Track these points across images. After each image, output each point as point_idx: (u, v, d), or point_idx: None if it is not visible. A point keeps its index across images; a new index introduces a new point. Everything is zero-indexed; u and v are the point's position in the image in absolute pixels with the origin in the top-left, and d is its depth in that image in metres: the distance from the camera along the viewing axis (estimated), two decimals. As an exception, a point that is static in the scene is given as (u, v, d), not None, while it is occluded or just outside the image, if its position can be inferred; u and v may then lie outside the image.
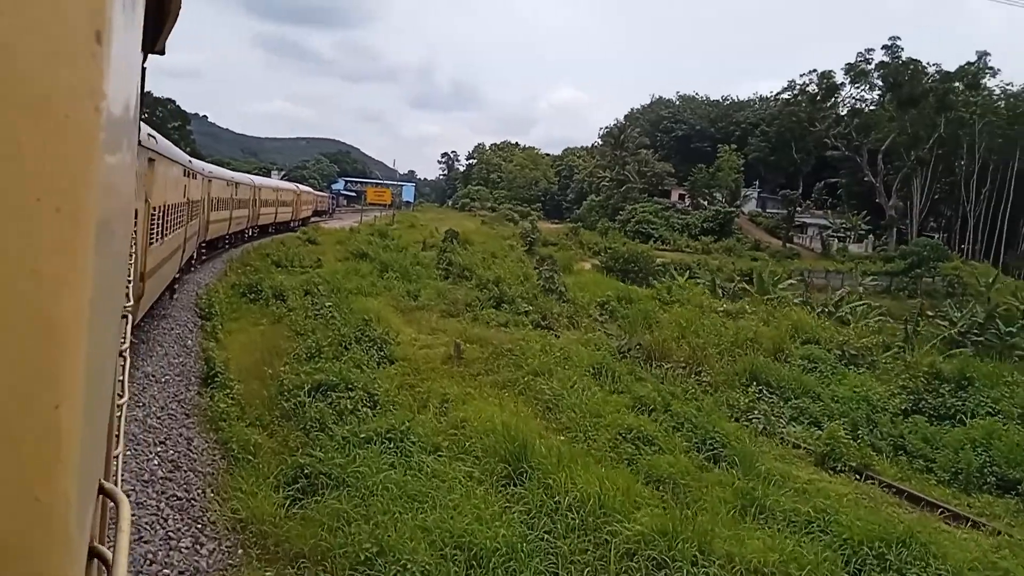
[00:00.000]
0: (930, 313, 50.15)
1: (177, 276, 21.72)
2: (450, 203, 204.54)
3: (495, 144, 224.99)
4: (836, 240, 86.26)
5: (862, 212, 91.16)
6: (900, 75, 78.12)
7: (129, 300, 3.76)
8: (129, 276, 4.42)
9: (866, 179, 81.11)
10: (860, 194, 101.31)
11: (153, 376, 13.74)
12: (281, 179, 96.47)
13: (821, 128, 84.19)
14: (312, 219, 78.42)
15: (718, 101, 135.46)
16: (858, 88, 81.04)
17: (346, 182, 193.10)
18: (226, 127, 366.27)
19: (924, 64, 79.14)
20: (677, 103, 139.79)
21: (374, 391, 13.43)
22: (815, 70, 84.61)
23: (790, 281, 46.94)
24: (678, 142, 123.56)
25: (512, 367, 16.63)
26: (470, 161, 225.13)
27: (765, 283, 43.73)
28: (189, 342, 17.88)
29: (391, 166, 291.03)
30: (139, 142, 9.26)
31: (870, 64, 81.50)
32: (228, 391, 13.39)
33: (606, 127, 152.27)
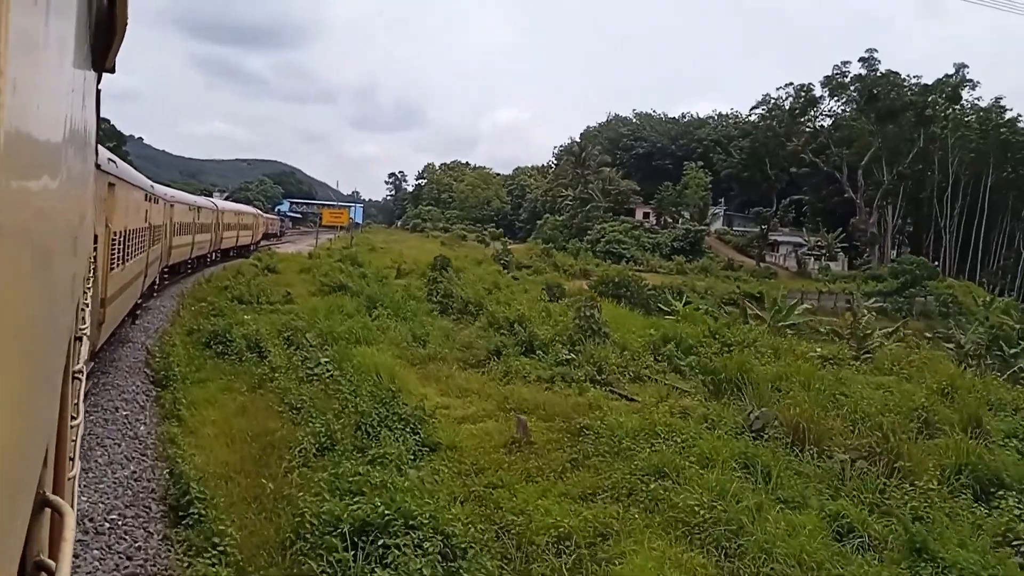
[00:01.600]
0: (928, 335, 47.10)
1: (139, 302, 21.34)
2: (399, 224, 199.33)
3: (445, 164, 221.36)
4: (811, 258, 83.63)
5: (832, 230, 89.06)
6: (878, 88, 76.02)
7: (85, 323, 4.09)
8: (86, 300, 4.92)
9: (846, 195, 78.58)
10: (826, 211, 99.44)
11: (88, 517, 8.46)
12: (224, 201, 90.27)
13: (798, 143, 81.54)
14: (262, 243, 72.74)
15: (676, 119, 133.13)
16: (838, 101, 78.63)
17: (291, 203, 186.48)
18: (163, 149, 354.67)
19: (903, 77, 77.27)
20: (635, 121, 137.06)
21: (450, 530, 8.38)
22: (791, 83, 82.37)
23: (805, 306, 42.96)
24: (639, 160, 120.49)
25: (608, 457, 11.78)
26: (419, 181, 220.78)
27: (782, 309, 39.66)
28: (141, 428, 12.59)
29: (334, 187, 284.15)
30: (97, 166, 9.25)
31: (846, 77, 79.30)
32: (213, 541, 8.18)
33: (561, 145, 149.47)
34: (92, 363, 13.11)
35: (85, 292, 4.91)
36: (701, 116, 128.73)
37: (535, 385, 17.45)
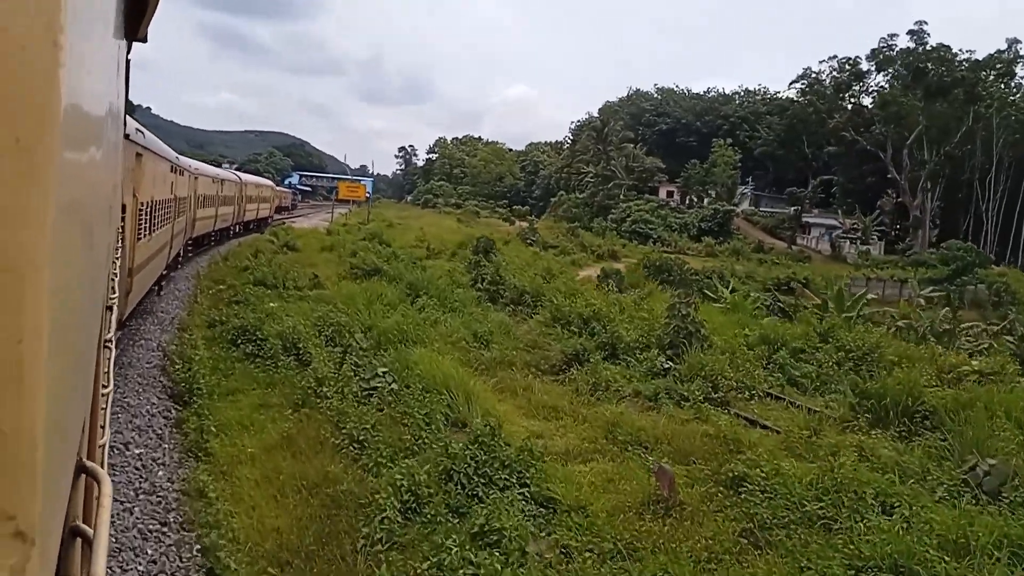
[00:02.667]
0: (981, 325, 43.76)
1: (164, 273, 21.37)
2: (409, 199, 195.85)
3: (456, 138, 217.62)
4: (847, 242, 79.97)
5: (867, 212, 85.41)
6: (927, 63, 71.84)
7: (115, 292, 4.22)
8: (115, 269, 4.88)
9: (888, 175, 74.53)
10: (856, 192, 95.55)
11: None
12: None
13: (840, 120, 77.36)
14: (275, 217, 69.58)
15: (699, 94, 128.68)
16: (885, 76, 74.12)
17: (300, 176, 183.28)
18: (171, 119, 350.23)
19: (954, 52, 72.93)
20: (657, 96, 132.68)
21: None
22: (835, 56, 77.58)
23: (872, 296, 39.61)
24: (661, 136, 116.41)
25: (796, 530, 8.63)
26: (430, 155, 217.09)
27: (844, 300, 36.37)
28: (159, 472, 9.48)
29: (342, 160, 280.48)
30: (126, 136, 9.34)
31: (892, 51, 74.94)
32: None
33: (578, 121, 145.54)
34: (120, 332, 12.68)
35: (114, 262, 4.71)
36: (727, 92, 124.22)
37: (634, 403, 14.30)
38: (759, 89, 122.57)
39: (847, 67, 77.17)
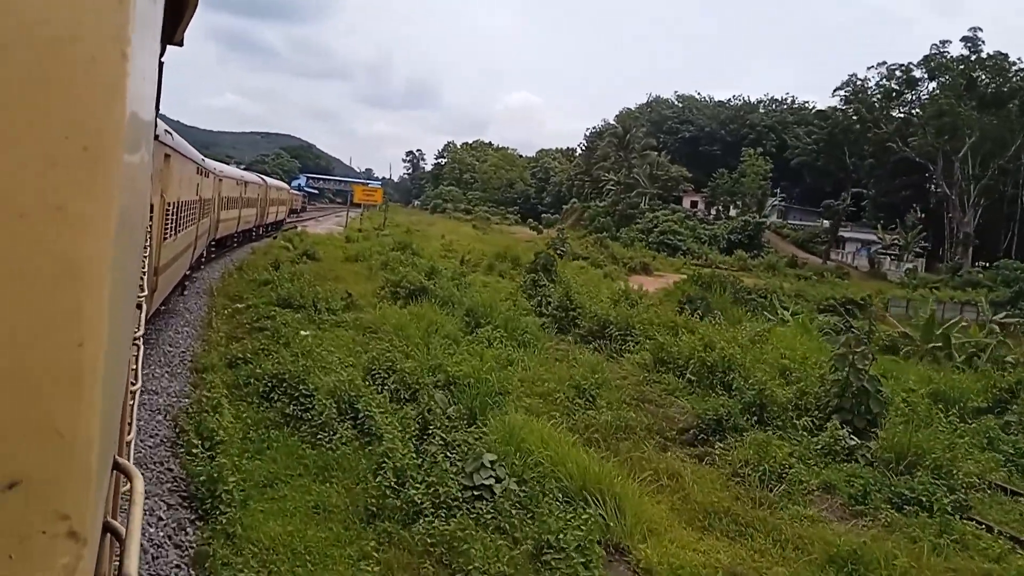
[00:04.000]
0: None
1: (187, 273, 21.18)
2: (417, 203, 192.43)
3: (467, 143, 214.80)
4: (887, 258, 75.88)
5: (897, 225, 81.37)
6: (981, 72, 67.68)
7: (144, 291, 4.01)
8: (144, 268, 4.73)
9: (936, 189, 70.32)
10: (887, 206, 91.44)
11: None
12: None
13: (887, 129, 73.09)
14: (287, 220, 65.77)
15: (723, 102, 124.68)
16: (937, 85, 69.55)
17: (308, 178, 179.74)
18: (178, 119, 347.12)
19: (1011, 61, 68.63)
20: (678, 103, 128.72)
21: None
22: (883, 62, 73.11)
23: (963, 323, 35.51)
24: (684, 144, 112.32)
25: None
26: (439, 160, 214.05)
27: (933, 327, 32.29)
28: None
29: (347, 163, 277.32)
30: (156, 136, 9.16)
31: (944, 58, 70.68)
32: None
33: (593, 127, 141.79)
34: (145, 329, 9.42)
35: (143, 259, 4.60)
36: (752, 100, 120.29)
37: (828, 502, 10.23)
38: (785, 97, 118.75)
39: (897, 74, 72.83)
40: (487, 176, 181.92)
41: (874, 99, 76.17)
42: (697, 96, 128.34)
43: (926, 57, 71.58)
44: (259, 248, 39.47)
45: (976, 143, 65.30)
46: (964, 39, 69.68)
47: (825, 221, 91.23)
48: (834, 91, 77.60)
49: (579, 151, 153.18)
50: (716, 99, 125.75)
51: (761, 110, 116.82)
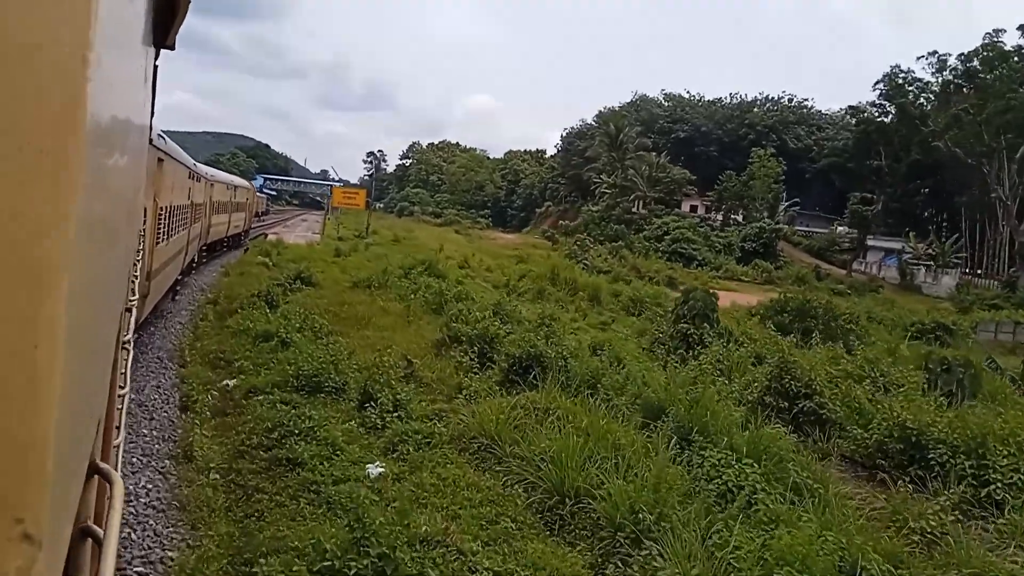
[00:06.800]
0: None
1: (179, 278, 20.93)
2: (380, 206, 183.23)
3: (433, 144, 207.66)
4: (922, 269, 69.07)
5: (930, 234, 74.85)
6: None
7: (134, 295, 4.07)
8: (136, 272, 4.64)
9: (992, 195, 63.37)
10: (899, 211, 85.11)
11: None
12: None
13: (936, 127, 65.81)
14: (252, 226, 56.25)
15: (716, 101, 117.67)
16: (997, 74, 62.12)
17: (265, 179, 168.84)
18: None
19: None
20: (665, 103, 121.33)
21: None
22: (935, 52, 65.65)
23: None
24: (677, 145, 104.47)
25: None
26: (404, 161, 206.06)
27: None
28: None
29: (303, 164, 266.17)
30: (150, 140, 9.29)
31: (1001, 49, 63.41)
32: None
33: (572, 127, 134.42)
34: (137, 335, 11.78)
35: (134, 264, 4.61)
36: (748, 98, 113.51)
37: None
38: (782, 96, 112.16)
39: (952, 65, 65.38)
40: (455, 178, 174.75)
41: (925, 94, 68.80)
42: (686, 95, 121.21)
43: (983, 46, 64.42)
44: (231, 265, 30.35)
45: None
46: (1021, 27, 62.91)
47: (840, 228, 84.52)
48: (874, 84, 70.20)
49: (555, 151, 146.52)
50: (707, 98, 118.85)
51: (756, 109, 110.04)
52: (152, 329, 16.46)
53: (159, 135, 12.75)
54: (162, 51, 3.25)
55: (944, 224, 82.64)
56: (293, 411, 10.44)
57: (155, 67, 3.07)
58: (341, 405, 11.64)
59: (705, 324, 16.57)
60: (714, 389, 12.38)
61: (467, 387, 12.81)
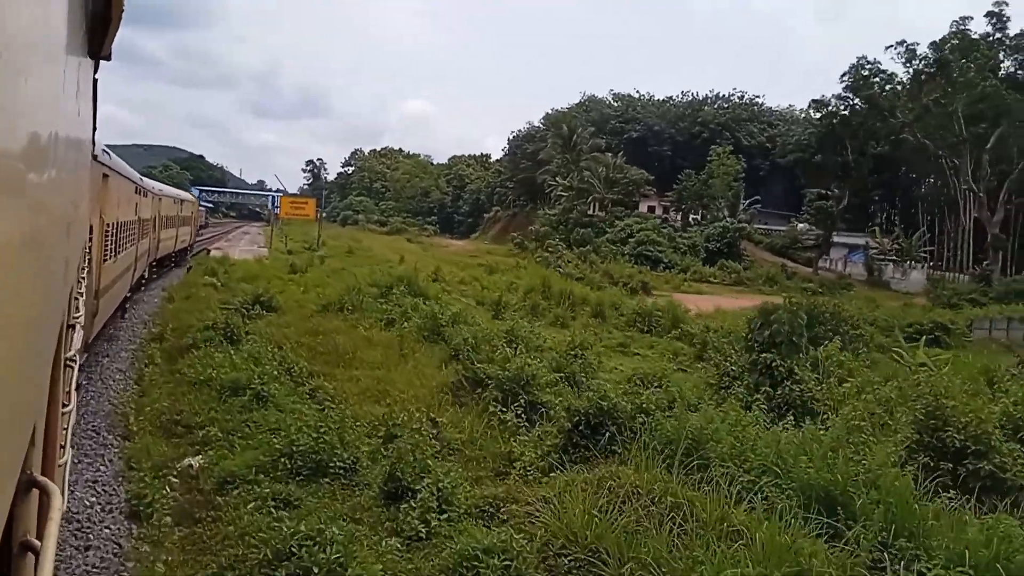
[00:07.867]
0: None
1: (128, 295, 20.50)
2: (324, 215, 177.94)
3: (375, 150, 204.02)
4: (889, 264, 67.93)
5: (895, 230, 73.98)
6: (1010, 52, 60.09)
7: (79, 311, 3.91)
8: (81, 289, 4.53)
9: (963, 186, 62.27)
10: (857, 207, 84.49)
11: None
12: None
13: (904, 119, 64.45)
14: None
15: (666, 100, 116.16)
16: (965, 64, 60.82)
17: (200, 191, 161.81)
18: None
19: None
20: (615, 103, 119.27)
21: None
22: (903, 41, 64.33)
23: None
24: (630, 145, 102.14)
25: None
26: (346, 168, 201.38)
27: None
28: None
29: (238, 175, 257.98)
30: (94, 156, 9.12)
31: (969, 38, 62.29)
32: None
33: (519, 130, 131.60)
34: (86, 354, 12.44)
35: (80, 281, 4.51)
36: (699, 96, 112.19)
37: None
38: (733, 93, 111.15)
39: (923, 54, 64.01)
40: (400, 185, 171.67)
41: (891, 85, 67.42)
42: (636, 95, 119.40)
43: (951, 34, 63.22)
44: (174, 287, 26.42)
45: (1005, 131, 57.41)
46: (989, 14, 62.01)
47: (801, 225, 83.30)
48: (841, 76, 68.80)
49: (502, 154, 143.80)
50: (657, 97, 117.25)
51: (708, 107, 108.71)
52: (84, 381, 12.74)
53: (104, 150, 12.29)
54: (101, 63, 3.14)
55: (896, 218, 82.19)
56: (298, 523, 7.02)
57: (94, 80, 2.98)
58: (358, 497, 8.27)
59: (797, 353, 13.62)
60: (773, 436, 9.31)
61: (519, 456, 9.53)
